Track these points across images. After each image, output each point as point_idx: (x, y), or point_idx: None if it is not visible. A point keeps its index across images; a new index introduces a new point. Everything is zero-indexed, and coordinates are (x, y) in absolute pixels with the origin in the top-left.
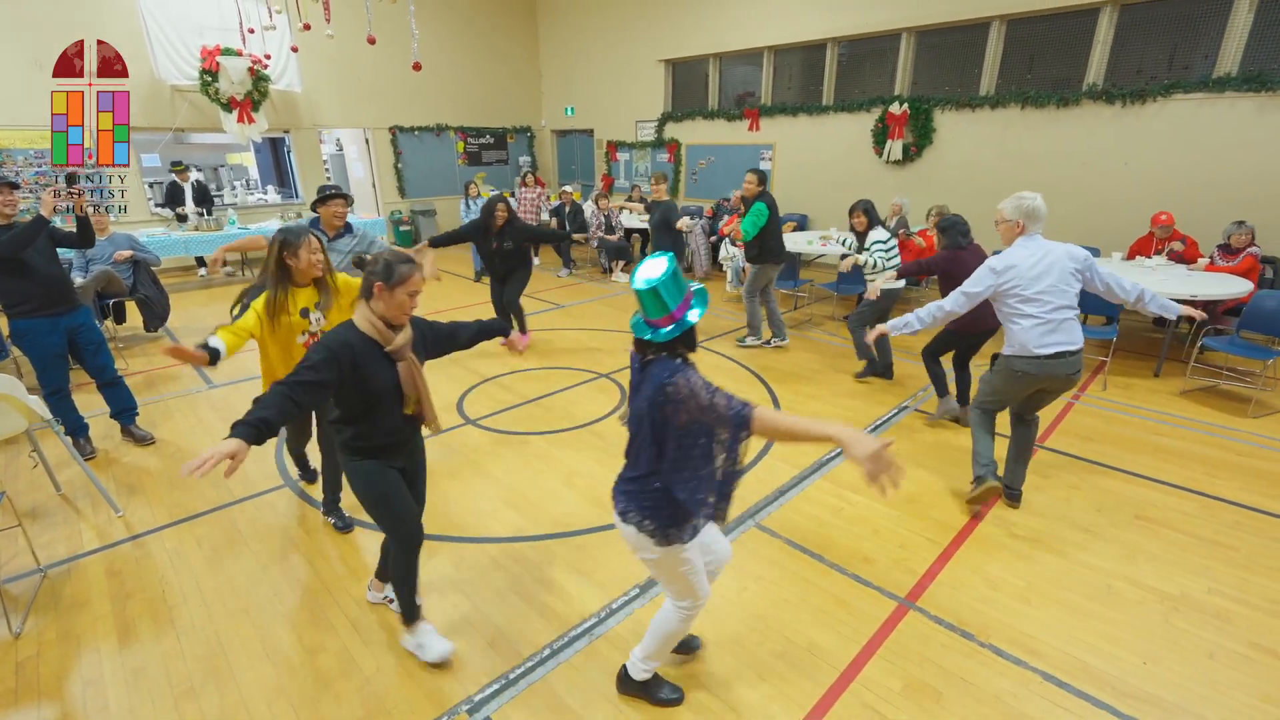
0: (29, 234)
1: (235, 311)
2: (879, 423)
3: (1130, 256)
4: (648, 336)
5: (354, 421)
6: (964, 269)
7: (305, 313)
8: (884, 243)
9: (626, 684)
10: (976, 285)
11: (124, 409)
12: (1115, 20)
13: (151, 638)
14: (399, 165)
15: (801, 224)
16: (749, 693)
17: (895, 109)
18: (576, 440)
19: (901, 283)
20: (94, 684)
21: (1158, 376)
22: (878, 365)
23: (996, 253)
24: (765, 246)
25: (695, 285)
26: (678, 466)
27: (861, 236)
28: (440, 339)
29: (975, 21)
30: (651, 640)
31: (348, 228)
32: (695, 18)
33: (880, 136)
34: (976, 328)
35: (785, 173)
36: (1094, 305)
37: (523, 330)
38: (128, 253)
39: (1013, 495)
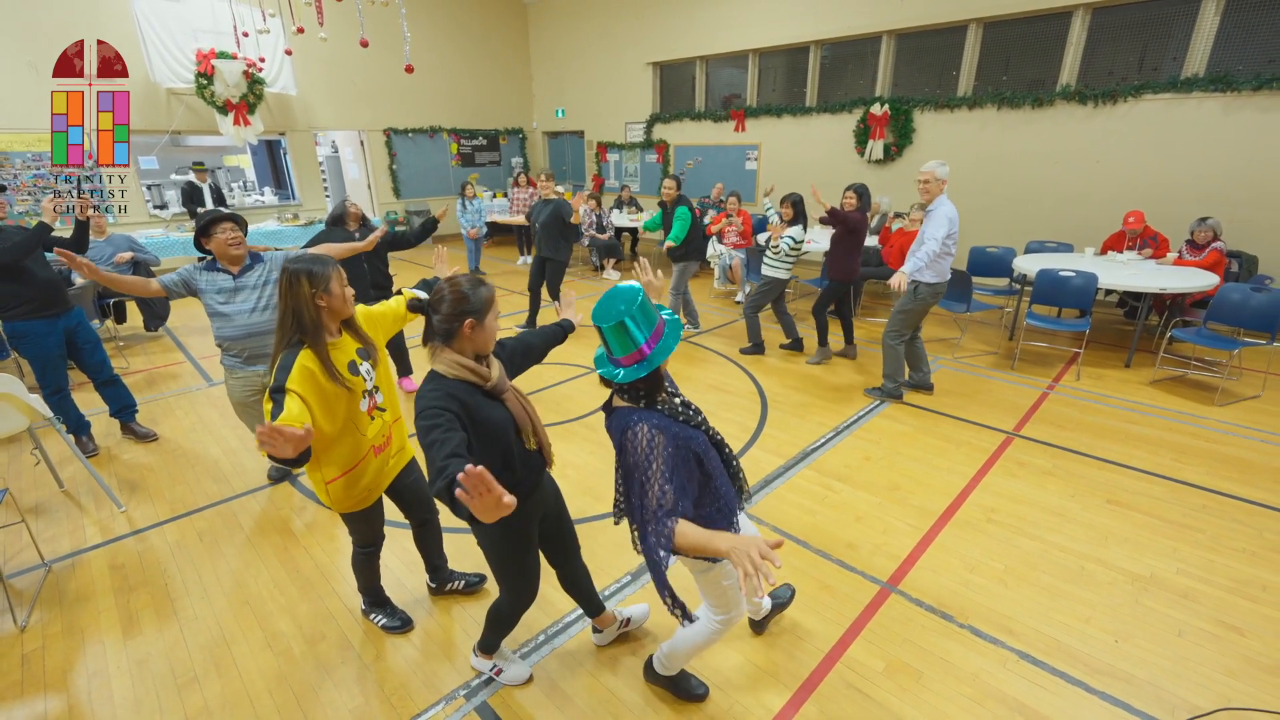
0: (33, 241)
1: (270, 410)
2: (863, 413)
3: (1103, 252)
4: (607, 374)
5: None
6: (864, 225)
7: (354, 368)
8: (797, 240)
9: (652, 675)
10: (946, 229)
11: (123, 407)
12: (1087, 23)
13: (155, 629)
14: (394, 167)
15: None
16: (736, 675)
17: (876, 110)
18: (568, 433)
19: (788, 273)
20: (99, 675)
21: (1128, 367)
22: (801, 341)
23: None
24: (690, 246)
25: (667, 314)
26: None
27: (790, 223)
28: (517, 356)
29: (953, 24)
30: (678, 643)
31: (254, 257)
32: (682, 21)
33: (862, 137)
34: (850, 277)
35: (770, 172)
36: (1068, 299)
37: (406, 370)
38: (128, 254)
39: (929, 386)
